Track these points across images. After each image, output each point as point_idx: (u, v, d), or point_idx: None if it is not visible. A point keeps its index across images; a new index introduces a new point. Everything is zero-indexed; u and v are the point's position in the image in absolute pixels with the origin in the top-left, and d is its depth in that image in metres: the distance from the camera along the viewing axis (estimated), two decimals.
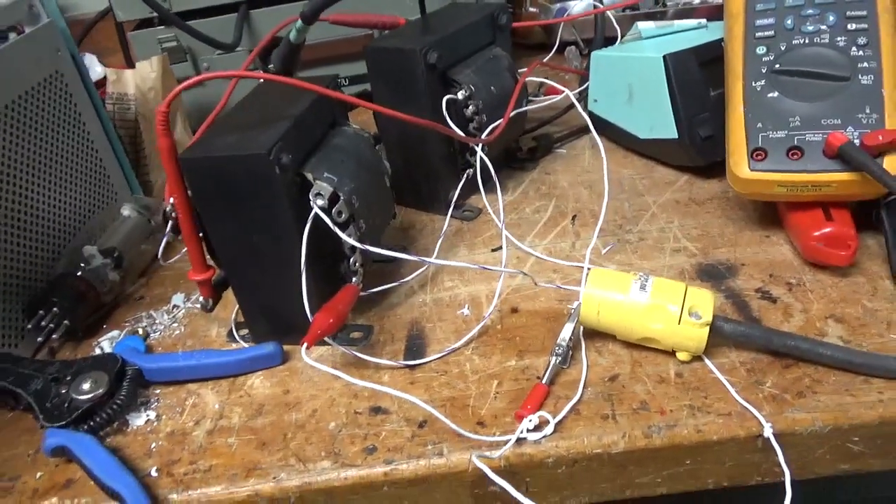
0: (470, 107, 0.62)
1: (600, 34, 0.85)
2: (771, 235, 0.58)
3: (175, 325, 0.59)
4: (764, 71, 0.55)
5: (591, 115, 0.77)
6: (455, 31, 0.63)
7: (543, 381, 0.46)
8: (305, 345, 0.45)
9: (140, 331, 0.58)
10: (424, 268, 0.60)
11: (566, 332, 0.48)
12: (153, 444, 0.47)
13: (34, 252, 0.59)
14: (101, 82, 1.22)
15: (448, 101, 0.61)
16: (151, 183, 0.81)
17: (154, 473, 0.45)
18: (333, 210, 0.48)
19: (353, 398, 0.48)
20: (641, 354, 0.48)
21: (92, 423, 0.47)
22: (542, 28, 1.05)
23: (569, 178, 0.72)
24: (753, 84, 0.55)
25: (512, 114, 0.65)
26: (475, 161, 0.61)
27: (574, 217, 0.65)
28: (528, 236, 0.63)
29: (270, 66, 0.73)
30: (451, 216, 0.66)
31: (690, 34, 0.70)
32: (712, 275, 0.55)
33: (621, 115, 0.73)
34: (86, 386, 0.48)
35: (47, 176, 0.61)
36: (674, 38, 0.70)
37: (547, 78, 0.83)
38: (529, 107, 0.70)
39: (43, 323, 0.55)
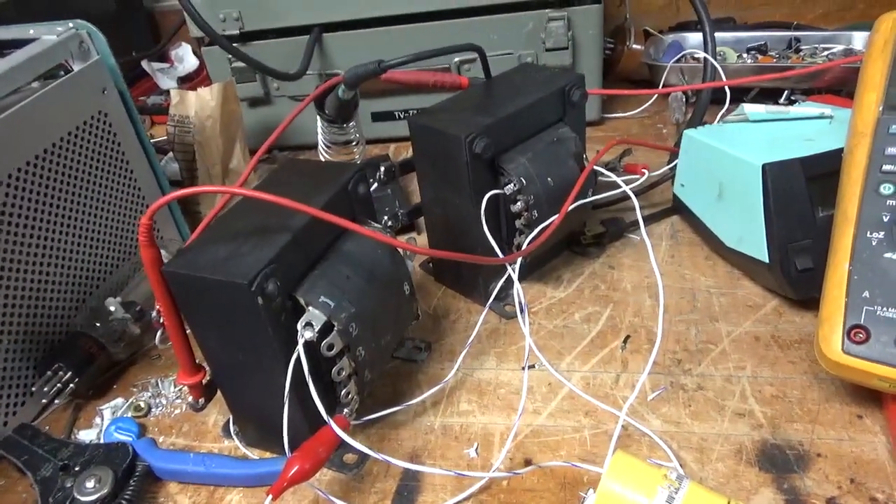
0: (518, 202, 0.54)
1: (703, 104, 0.73)
2: (865, 417, 0.47)
3: (178, 400, 0.56)
4: (887, 219, 0.44)
5: (676, 199, 0.67)
6: (515, 110, 0.55)
7: None
8: (270, 497, 0.40)
9: (142, 404, 0.56)
10: (442, 383, 0.53)
11: None
12: None
13: (55, 304, 0.57)
14: (193, 75, 1.22)
15: (492, 196, 0.53)
16: (201, 214, 0.79)
17: None
18: (324, 343, 0.42)
19: None
20: None
21: None
22: (648, 64, 0.93)
23: (635, 278, 0.62)
24: (868, 235, 0.44)
25: (571, 207, 0.56)
26: (513, 268, 0.53)
27: (627, 339, 0.56)
28: (569, 355, 0.55)
29: (326, 112, 0.68)
30: (490, 308, 0.59)
31: (807, 128, 0.58)
32: (776, 463, 0.45)
33: (708, 211, 0.62)
34: (89, 484, 0.45)
35: (82, 223, 0.60)
36: (784, 133, 0.58)
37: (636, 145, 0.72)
38: (595, 197, 0.60)
39: (48, 387, 0.54)
